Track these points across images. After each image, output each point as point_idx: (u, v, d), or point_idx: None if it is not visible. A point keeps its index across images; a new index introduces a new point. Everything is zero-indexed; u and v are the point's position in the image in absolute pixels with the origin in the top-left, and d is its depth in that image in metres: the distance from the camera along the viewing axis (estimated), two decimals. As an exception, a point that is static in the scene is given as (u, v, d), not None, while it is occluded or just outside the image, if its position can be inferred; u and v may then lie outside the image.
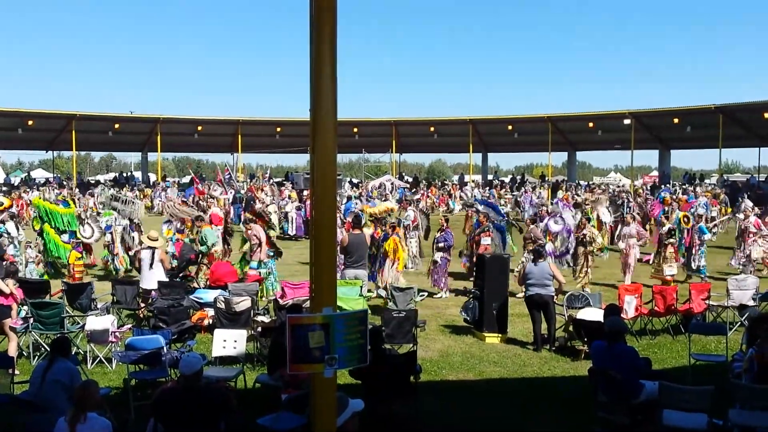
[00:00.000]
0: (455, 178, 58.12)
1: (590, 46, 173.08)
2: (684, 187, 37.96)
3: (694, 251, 16.73)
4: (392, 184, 40.92)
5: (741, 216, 18.88)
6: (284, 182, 42.05)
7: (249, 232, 14.44)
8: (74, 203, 24.47)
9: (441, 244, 15.42)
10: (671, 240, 16.13)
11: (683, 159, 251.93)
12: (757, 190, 38.42)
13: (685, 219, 17.29)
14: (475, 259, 15.06)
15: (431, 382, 9.27)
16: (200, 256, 14.71)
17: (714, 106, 38.67)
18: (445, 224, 16.13)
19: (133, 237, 17.32)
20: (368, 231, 14.79)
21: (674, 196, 27.16)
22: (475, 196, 24.47)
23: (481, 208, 17.44)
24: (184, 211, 18.60)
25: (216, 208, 21.64)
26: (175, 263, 14.81)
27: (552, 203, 23.34)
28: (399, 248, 14.60)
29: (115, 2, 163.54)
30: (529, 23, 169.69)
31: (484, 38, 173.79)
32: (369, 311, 7.11)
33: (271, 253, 14.42)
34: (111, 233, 17.50)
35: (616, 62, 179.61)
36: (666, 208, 21.50)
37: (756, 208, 20.77)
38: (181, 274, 14.16)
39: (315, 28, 4.08)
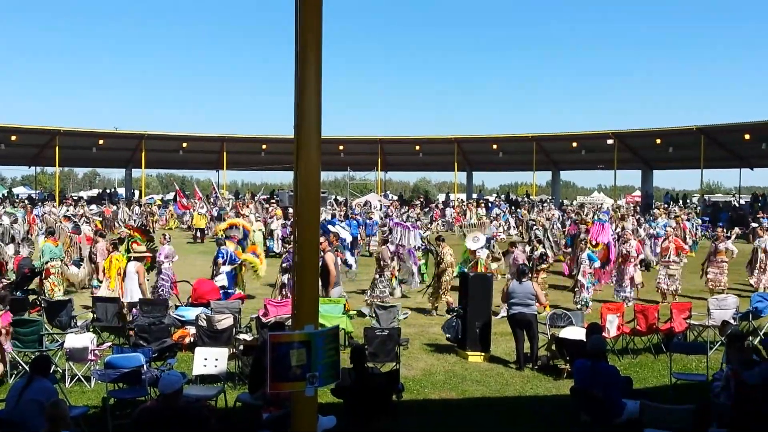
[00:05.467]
0: (441, 197, 58.28)
1: (574, 67, 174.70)
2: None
3: (580, 281, 15.57)
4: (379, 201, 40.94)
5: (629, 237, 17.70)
6: (270, 199, 41.96)
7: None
8: None
9: (285, 264, 15.03)
10: (543, 265, 15.95)
11: (666, 179, 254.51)
12: (738, 210, 38.84)
13: (594, 243, 16.81)
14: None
15: (414, 401, 9.24)
16: (35, 270, 15.17)
17: (695, 127, 39.06)
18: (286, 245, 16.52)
19: (4, 249, 17.82)
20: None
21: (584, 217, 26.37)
22: (326, 219, 24.18)
23: (331, 228, 17.68)
24: (66, 226, 20.63)
25: (88, 227, 21.94)
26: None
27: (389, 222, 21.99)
28: (112, 267, 14.08)
29: (100, 18, 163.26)
30: (514, 44, 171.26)
31: (469, 58, 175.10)
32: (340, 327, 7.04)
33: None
34: None
35: (599, 83, 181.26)
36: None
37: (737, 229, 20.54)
38: (24, 287, 14.56)
39: (300, 45, 4.10)
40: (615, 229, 21.64)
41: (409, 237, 17.08)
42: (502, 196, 53.09)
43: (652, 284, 16.98)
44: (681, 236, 24.36)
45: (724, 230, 19.85)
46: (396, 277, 16.97)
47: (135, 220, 34.04)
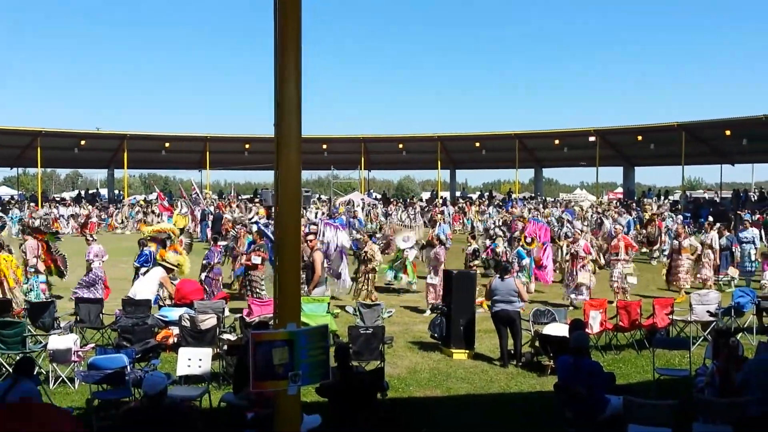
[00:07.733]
0: (424, 194, 58.37)
1: (556, 65, 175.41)
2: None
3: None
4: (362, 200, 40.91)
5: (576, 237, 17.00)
6: (253, 199, 41.86)
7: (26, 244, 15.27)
8: None
9: (204, 262, 15.34)
10: (476, 262, 15.70)
11: (647, 175, 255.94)
12: (719, 206, 39.12)
13: (528, 240, 16.47)
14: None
15: (399, 399, 9.25)
16: None
17: (677, 124, 39.32)
18: (212, 243, 16.71)
19: None
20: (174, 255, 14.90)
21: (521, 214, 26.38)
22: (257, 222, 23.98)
23: (254, 228, 17.78)
24: None
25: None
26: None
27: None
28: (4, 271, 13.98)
29: (82, 19, 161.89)
30: (497, 43, 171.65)
31: (451, 57, 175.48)
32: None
33: (32, 270, 14.95)
34: None
35: (581, 81, 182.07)
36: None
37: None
38: None
39: (279, 41, 4.09)
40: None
41: (339, 237, 16.78)
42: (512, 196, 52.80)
43: (604, 284, 16.46)
44: (656, 234, 24.45)
45: (685, 227, 19.82)
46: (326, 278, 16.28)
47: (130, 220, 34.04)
